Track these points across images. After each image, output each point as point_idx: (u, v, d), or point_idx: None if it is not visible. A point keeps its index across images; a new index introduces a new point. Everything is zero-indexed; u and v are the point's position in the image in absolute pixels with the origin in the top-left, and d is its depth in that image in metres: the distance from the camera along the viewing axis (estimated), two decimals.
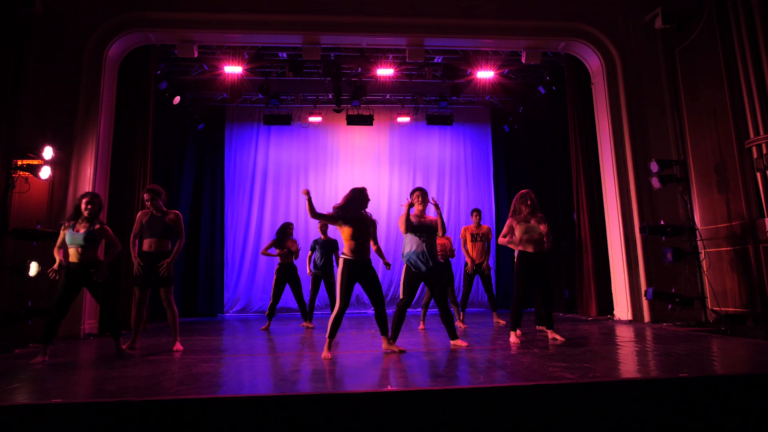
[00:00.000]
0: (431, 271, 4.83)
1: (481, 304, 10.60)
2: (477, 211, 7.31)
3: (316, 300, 7.64)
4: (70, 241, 4.58)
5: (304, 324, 7.40)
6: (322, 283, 7.46)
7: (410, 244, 4.86)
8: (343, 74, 9.45)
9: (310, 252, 7.59)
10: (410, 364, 3.94)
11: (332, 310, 4.56)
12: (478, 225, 7.17)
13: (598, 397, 2.95)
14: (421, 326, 6.79)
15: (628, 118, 7.55)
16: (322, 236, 7.59)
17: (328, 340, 4.39)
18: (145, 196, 4.90)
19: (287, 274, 7.43)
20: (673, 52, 7.53)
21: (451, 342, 4.89)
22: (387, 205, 11.13)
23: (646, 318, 7.07)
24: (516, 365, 3.71)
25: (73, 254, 4.57)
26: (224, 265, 10.67)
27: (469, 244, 7.10)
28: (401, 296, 4.93)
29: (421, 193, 5.04)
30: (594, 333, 5.77)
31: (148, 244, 4.87)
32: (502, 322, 7.04)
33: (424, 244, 4.81)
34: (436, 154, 11.57)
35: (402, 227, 4.86)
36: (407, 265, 4.92)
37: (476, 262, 7.03)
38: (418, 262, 4.82)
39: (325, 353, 4.33)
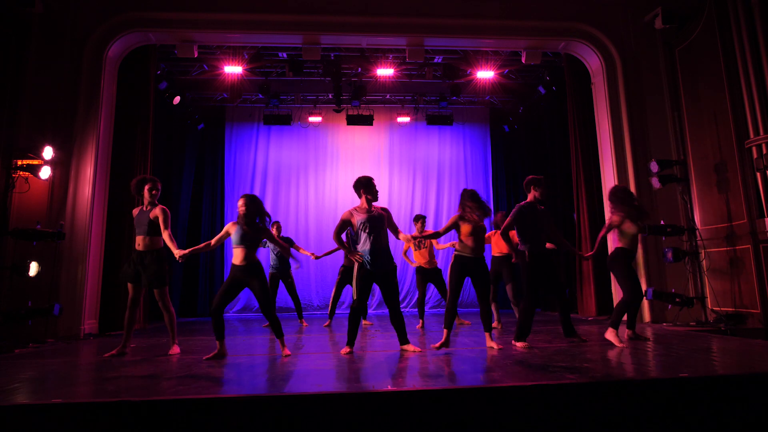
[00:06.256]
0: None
1: (474, 304, 10.61)
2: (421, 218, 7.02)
3: (277, 300, 7.71)
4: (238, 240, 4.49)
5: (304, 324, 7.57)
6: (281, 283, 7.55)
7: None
8: (343, 74, 9.45)
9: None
10: (410, 364, 3.94)
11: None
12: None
13: (598, 397, 2.95)
14: (419, 325, 6.81)
15: (628, 118, 7.56)
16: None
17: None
18: (148, 185, 4.73)
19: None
20: (673, 52, 7.53)
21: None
22: (387, 205, 11.11)
23: (646, 318, 7.07)
24: (517, 365, 3.71)
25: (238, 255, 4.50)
26: (224, 265, 10.66)
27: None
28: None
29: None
30: (594, 333, 5.76)
31: (137, 241, 4.69)
32: (467, 322, 7.10)
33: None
34: (436, 154, 11.58)
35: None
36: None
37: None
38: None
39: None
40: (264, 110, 10.83)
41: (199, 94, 10.45)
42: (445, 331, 4.72)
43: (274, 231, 7.60)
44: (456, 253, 4.80)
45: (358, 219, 4.58)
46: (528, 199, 4.91)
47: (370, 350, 4.83)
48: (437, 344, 4.70)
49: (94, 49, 7.09)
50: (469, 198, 4.83)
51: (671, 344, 4.73)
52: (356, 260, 4.54)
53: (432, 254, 6.97)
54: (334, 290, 7.50)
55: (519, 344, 4.68)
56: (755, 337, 5.61)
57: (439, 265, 7.09)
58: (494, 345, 4.70)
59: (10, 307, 5.77)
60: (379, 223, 4.59)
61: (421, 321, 6.93)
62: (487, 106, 11.62)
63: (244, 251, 4.48)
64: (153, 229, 4.68)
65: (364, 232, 4.54)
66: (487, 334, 4.84)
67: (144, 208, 4.77)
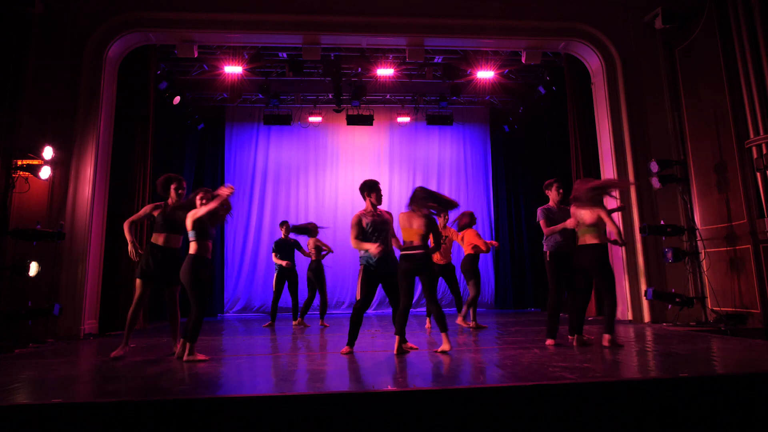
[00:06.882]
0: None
1: (481, 304, 10.57)
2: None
3: (280, 301, 7.76)
4: None
5: (295, 323, 7.68)
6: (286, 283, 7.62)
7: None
8: (343, 74, 9.45)
9: (273, 253, 7.68)
10: (410, 364, 3.94)
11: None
12: (444, 226, 6.77)
13: (598, 397, 2.95)
14: (428, 325, 6.80)
15: (628, 118, 7.56)
16: (283, 236, 7.70)
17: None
18: (174, 185, 4.73)
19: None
20: (673, 52, 7.53)
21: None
22: (387, 205, 11.11)
23: (646, 318, 7.07)
24: (516, 365, 3.70)
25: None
26: (224, 265, 10.67)
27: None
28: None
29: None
30: (594, 333, 5.76)
31: (163, 238, 4.65)
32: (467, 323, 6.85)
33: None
34: (436, 154, 11.58)
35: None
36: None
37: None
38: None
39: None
40: (264, 110, 10.83)
41: (199, 94, 10.45)
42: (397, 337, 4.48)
43: (282, 231, 7.78)
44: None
45: (365, 222, 4.65)
46: (549, 203, 5.15)
47: (370, 350, 4.83)
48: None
49: (94, 49, 7.09)
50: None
51: (671, 344, 4.73)
52: (374, 255, 4.48)
53: (449, 251, 6.77)
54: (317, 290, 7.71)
55: (548, 341, 4.86)
56: (755, 337, 5.61)
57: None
58: (447, 348, 4.47)
59: (10, 307, 5.77)
60: (385, 225, 4.69)
61: (428, 320, 6.86)
62: (487, 106, 11.63)
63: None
64: (183, 227, 4.71)
65: (372, 235, 4.61)
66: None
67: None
